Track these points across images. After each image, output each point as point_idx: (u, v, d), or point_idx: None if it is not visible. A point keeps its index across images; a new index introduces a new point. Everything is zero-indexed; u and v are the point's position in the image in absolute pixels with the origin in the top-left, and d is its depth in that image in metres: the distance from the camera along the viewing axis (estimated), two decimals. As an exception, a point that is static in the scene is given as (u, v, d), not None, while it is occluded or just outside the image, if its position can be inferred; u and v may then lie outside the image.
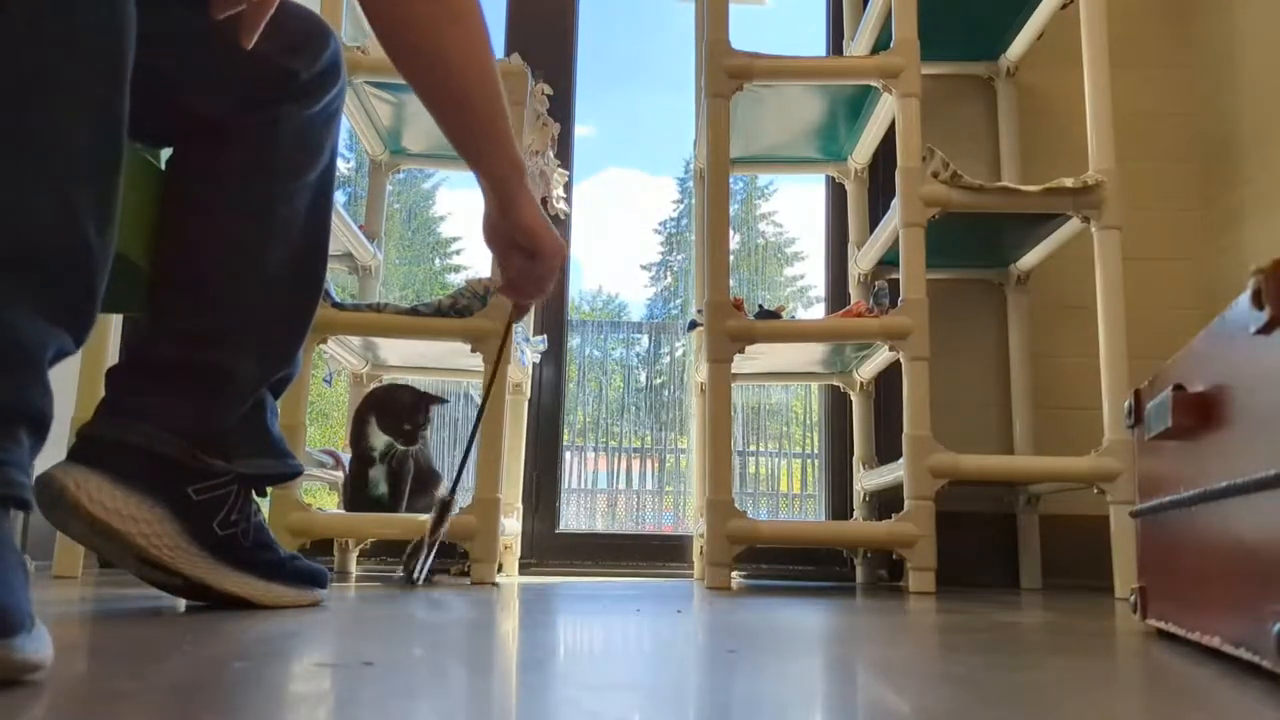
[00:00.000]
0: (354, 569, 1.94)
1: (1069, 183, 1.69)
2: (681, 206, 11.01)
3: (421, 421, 1.76)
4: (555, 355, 2.25)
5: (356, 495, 1.78)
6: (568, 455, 3.39)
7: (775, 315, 1.77)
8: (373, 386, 1.95)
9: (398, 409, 1.76)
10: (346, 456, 1.99)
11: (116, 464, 0.87)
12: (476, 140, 1.05)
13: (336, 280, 1.95)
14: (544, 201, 2.22)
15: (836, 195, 2.31)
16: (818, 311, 2.55)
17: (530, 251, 1.13)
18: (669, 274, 11.16)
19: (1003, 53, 2.14)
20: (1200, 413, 0.75)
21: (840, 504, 2.22)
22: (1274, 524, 0.59)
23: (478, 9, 1.00)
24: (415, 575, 1.49)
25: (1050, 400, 2.08)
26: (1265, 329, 0.60)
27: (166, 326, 0.94)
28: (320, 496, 2.58)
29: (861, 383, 2.09)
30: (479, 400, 1.46)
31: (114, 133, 0.65)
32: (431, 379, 2.20)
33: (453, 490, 1.44)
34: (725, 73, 1.73)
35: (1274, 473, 0.59)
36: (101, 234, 0.63)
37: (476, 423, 1.41)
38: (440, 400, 1.81)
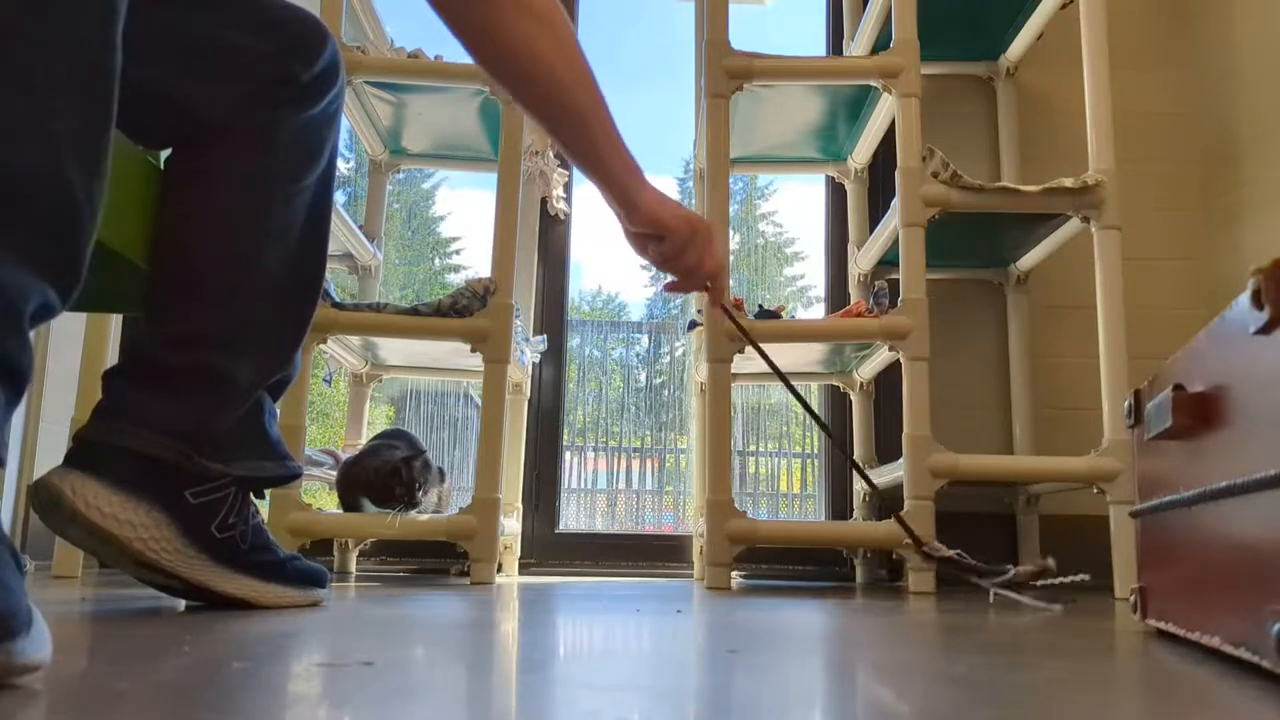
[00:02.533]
0: (354, 569, 1.94)
1: (1069, 183, 1.69)
2: (681, 206, 10.99)
3: (414, 484, 1.66)
4: (555, 355, 2.25)
5: None
6: (568, 455, 3.39)
7: (775, 315, 1.77)
8: (344, 464, 1.77)
9: (384, 483, 1.67)
10: (346, 456, 1.99)
11: (113, 468, 0.87)
12: (587, 146, 1.04)
13: (336, 280, 1.95)
14: (543, 201, 2.22)
15: (836, 195, 2.31)
16: (818, 311, 2.55)
17: (664, 239, 1.12)
18: (669, 274, 11.14)
19: (1002, 53, 2.14)
20: (1200, 413, 0.74)
21: (840, 504, 2.22)
22: (1274, 524, 0.59)
23: (563, 14, 0.99)
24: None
25: (1050, 400, 2.08)
26: (1265, 329, 0.59)
27: (164, 329, 0.94)
28: (320, 497, 2.58)
29: (861, 383, 2.09)
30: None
31: (103, 85, 0.62)
32: (432, 379, 2.20)
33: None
34: (725, 73, 1.73)
35: (1274, 473, 0.59)
36: (87, 186, 0.61)
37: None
38: (415, 455, 1.70)
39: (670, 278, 1.20)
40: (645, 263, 1.18)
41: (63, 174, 0.59)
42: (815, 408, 2.35)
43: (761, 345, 1.74)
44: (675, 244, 1.12)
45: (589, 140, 1.04)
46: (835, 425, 2.27)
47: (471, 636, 0.85)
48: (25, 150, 0.57)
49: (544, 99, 1.01)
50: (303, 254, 1.02)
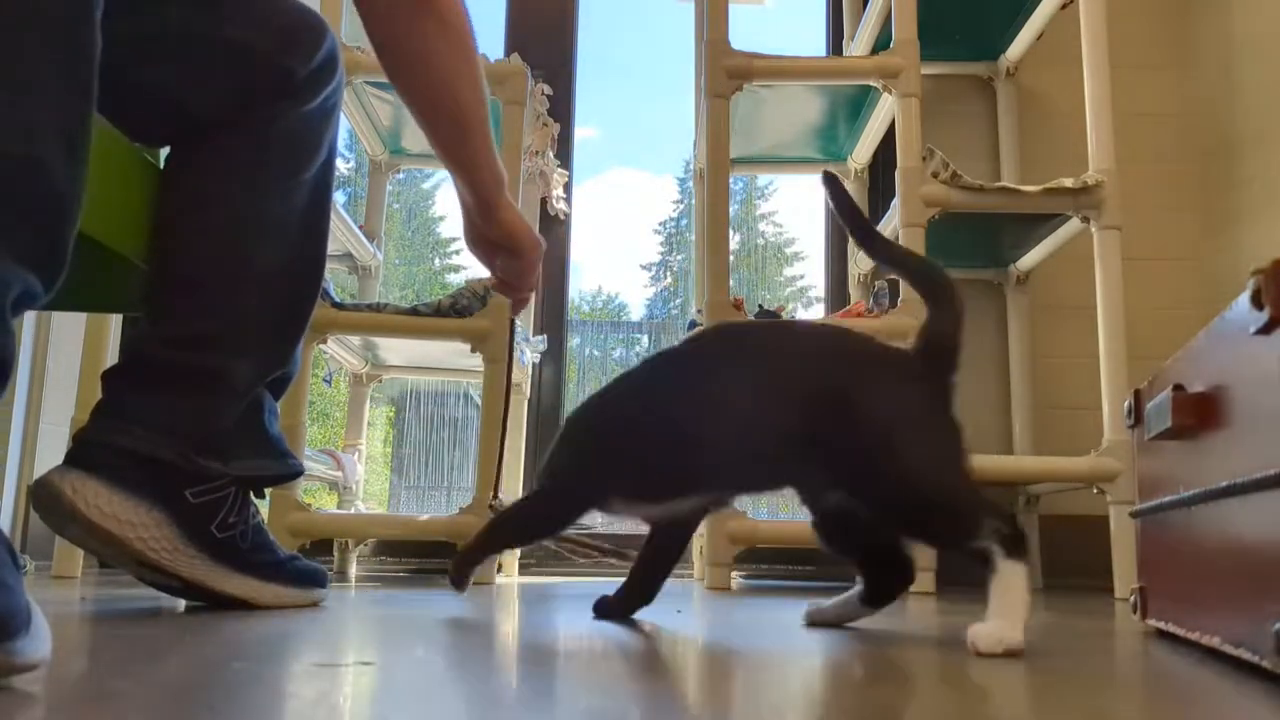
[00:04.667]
0: (354, 569, 1.94)
1: (1069, 183, 1.68)
2: (681, 206, 11.00)
3: None
4: (555, 355, 2.25)
5: None
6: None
7: (775, 315, 1.77)
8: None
9: None
10: (346, 457, 1.99)
11: (113, 468, 0.87)
12: (466, 152, 1.09)
13: (336, 280, 1.95)
14: (544, 201, 2.22)
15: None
16: (818, 312, 2.55)
17: (511, 250, 1.17)
18: (669, 274, 11.15)
19: (1003, 53, 2.14)
20: (1200, 413, 0.74)
21: (840, 504, 2.21)
22: (1274, 524, 0.59)
23: (469, 24, 1.03)
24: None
25: (1050, 400, 2.08)
26: (1265, 329, 0.59)
27: (163, 327, 0.94)
28: (320, 496, 2.58)
29: (861, 383, 2.08)
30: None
31: (82, 70, 0.62)
32: (432, 379, 2.19)
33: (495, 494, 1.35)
34: (725, 73, 1.73)
35: (1274, 473, 0.59)
36: (69, 173, 0.60)
37: (503, 425, 1.38)
38: None
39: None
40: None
41: (43, 160, 0.59)
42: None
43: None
44: (529, 262, 1.19)
45: (470, 151, 1.08)
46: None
47: (471, 636, 0.85)
48: (4, 137, 0.57)
49: (444, 113, 1.06)
50: (302, 249, 1.02)
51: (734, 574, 1.67)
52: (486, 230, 1.15)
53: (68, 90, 0.61)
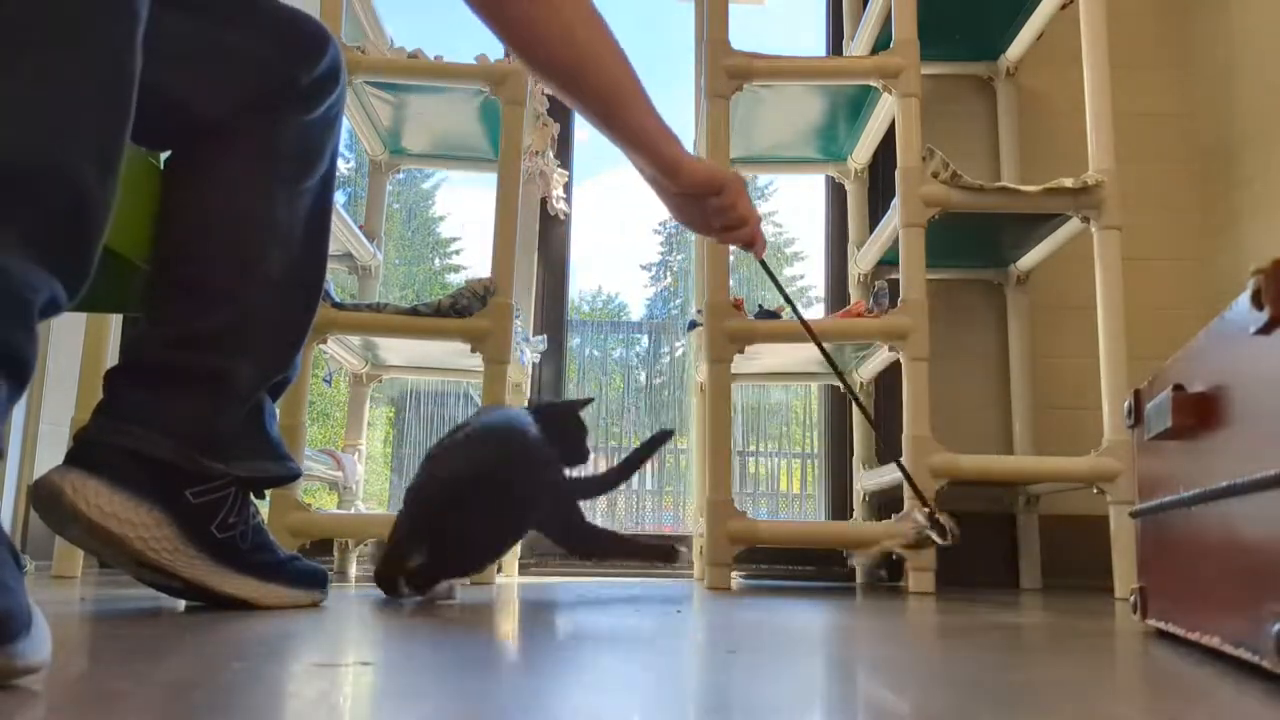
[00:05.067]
0: (354, 569, 1.94)
1: (1069, 183, 1.69)
2: (682, 207, 10.98)
3: None
4: (555, 355, 2.25)
5: None
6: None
7: (775, 315, 1.77)
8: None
9: None
10: (346, 457, 1.99)
11: (114, 468, 0.87)
12: (633, 119, 1.07)
13: (336, 280, 1.95)
14: (544, 201, 2.22)
15: (836, 195, 2.31)
16: (818, 311, 2.54)
17: (713, 192, 1.16)
18: (669, 274, 11.15)
19: (1003, 53, 2.14)
20: (1200, 413, 0.74)
21: (840, 504, 2.22)
22: (1274, 524, 0.59)
23: (593, 5, 1.03)
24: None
25: (1050, 400, 2.08)
26: (1265, 329, 0.59)
27: (164, 329, 0.94)
28: (320, 496, 2.58)
29: (861, 383, 2.09)
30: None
31: (122, 86, 0.63)
32: (432, 379, 2.19)
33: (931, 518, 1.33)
34: (725, 73, 1.73)
35: (1274, 473, 0.59)
36: (102, 185, 0.61)
37: (854, 396, 1.36)
38: None
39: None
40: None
41: (79, 171, 0.60)
42: (814, 408, 2.35)
43: (760, 346, 1.74)
44: (731, 193, 1.16)
45: (636, 117, 1.06)
46: (835, 425, 2.27)
47: (471, 636, 0.85)
48: (43, 146, 0.58)
49: (591, 90, 1.04)
50: (303, 257, 1.02)
51: (734, 574, 1.67)
52: (682, 189, 1.14)
53: (106, 108, 0.62)
